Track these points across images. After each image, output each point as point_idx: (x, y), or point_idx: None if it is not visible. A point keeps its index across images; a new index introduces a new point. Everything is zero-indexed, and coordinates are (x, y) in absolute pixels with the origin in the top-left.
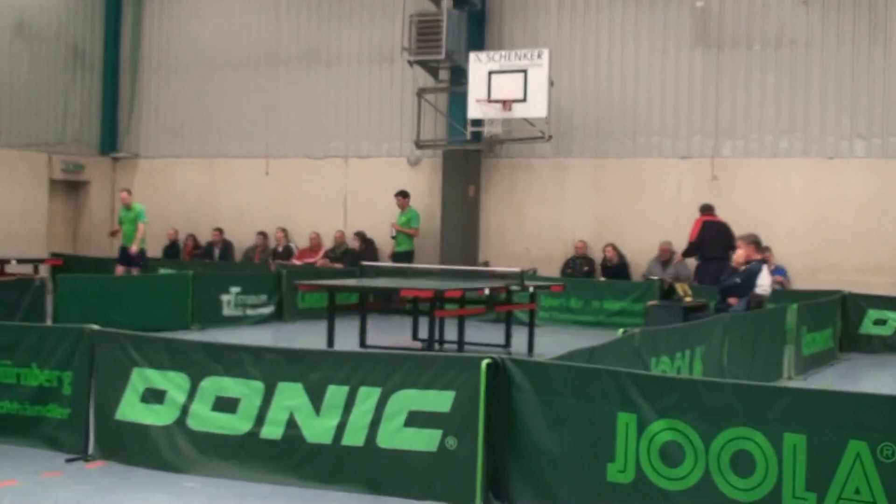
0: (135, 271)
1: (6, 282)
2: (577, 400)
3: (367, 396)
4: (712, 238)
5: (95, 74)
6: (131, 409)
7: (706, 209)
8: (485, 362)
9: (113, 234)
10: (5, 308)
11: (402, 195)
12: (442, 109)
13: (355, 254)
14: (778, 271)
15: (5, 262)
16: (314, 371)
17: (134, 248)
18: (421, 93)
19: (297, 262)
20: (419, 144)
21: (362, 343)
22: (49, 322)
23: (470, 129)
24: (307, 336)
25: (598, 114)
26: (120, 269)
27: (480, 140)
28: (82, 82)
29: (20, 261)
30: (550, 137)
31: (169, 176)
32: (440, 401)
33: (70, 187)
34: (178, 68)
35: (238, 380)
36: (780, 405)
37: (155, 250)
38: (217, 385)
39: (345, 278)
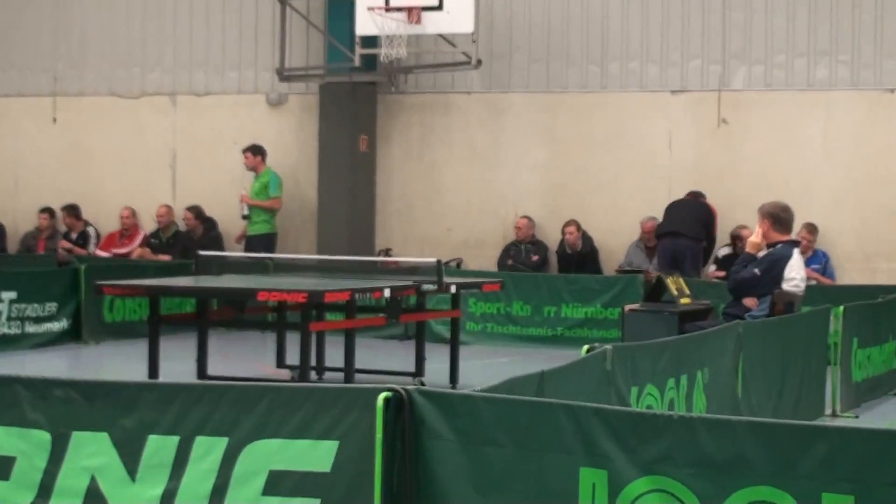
0: None
1: None
2: (520, 451)
3: (208, 450)
4: (674, 211)
5: None
6: None
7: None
8: (382, 396)
9: None
10: None
11: (254, 151)
12: (317, 23)
13: (189, 240)
14: (815, 259)
15: None
16: (127, 414)
17: None
18: None
19: (101, 252)
20: (283, 75)
21: (201, 372)
22: None
23: (359, 51)
24: (118, 363)
25: (551, 28)
26: None
27: (375, 68)
28: None
29: None
30: (480, 63)
31: None
32: (317, 456)
33: None
34: None
35: (12, 429)
36: (819, 454)
37: None
38: None
39: (174, 277)
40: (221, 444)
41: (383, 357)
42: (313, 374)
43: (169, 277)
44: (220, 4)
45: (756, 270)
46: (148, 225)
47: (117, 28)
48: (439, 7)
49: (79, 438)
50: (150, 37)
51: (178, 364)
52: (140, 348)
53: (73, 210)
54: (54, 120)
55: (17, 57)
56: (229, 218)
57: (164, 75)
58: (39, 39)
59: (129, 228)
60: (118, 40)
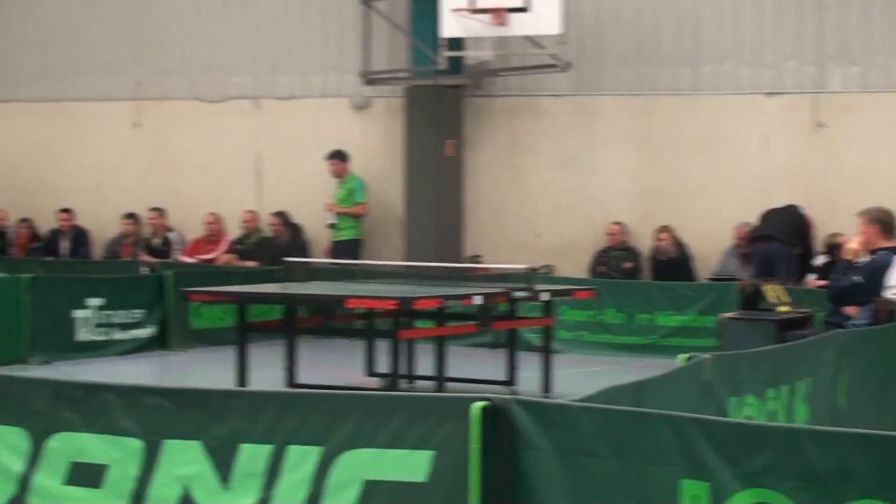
0: None
1: None
2: (619, 462)
3: (302, 460)
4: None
5: None
6: None
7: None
8: (478, 406)
9: None
10: None
11: (339, 157)
12: (402, 24)
13: (275, 246)
14: None
15: None
16: (219, 422)
17: None
18: (369, 0)
19: (186, 258)
20: (368, 78)
21: (290, 380)
22: None
23: (444, 53)
24: (204, 370)
25: (642, 29)
26: None
27: (461, 70)
28: None
29: None
30: (568, 65)
31: None
32: (412, 466)
33: None
34: None
35: (104, 437)
36: None
37: None
38: (72, 445)
39: (260, 283)
40: (315, 453)
41: (473, 365)
42: (403, 383)
43: (255, 284)
44: (304, 7)
45: (857, 278)
46: (233, 230)
47: (200, 31)
48: (526, 8)
49: (171, 446)
50: (232, 40)
51: (265, 372)
52: (227, 355)
53: (159, 212)
54: (137, 125)
55: (99, 61)
56: (314, 223)
57: (247, 79)
58: (121, 44)
59: (214, 234)
60: (201, 44)
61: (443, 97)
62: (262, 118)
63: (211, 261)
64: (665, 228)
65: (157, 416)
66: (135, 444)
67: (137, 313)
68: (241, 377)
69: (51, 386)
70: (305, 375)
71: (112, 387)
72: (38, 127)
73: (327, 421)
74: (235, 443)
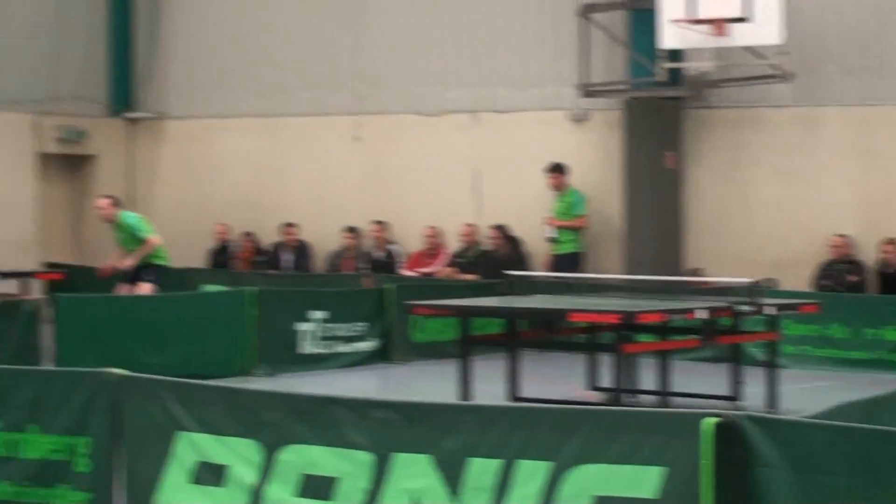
0: (143, 288)
1: None
2: (854, 480)
3: (532, 475)
4: None
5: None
6: (178, 492)
7: None
8: (710, 423)
9: (104, 272)
10: None
11: (558, 170)
12: (620, 36)
13: (495, 259)
14: None
15: None
16: (449, 436)
17: (128, 262)
18: (586, 12)
19: (407, 272)
20: (587, 91)
21: (513, 394)
22: (50, 364)
23: (663, 64)
24: (427, 383)
25: (865, 38)
26: (123, 288)
27: (680, 82)
28: (80, 11)
29: (2, 275)
30: (791, 76)
31: (211, 145)
32: (643, 481)
33: (68, 164)
34: None
35: (335, 449)
36: None
37: (194, 257)
38: (303, 457)
39: (479, 296)
40: (544, 468)
41: (695, 380)
42: (626, 397)
43: (475, 297)
44: (521, 20)
45: None
46: (452, 244)
47: (418, 46)
48: (746, 18)
49: (400, 460)
50: (450, 54)
51: (486, 385)
52: (447, 369)
53: (381, 225)
54: (355, 139)
55: (319, 77)
56: (533, 236)
57: (464, 92)
58: (341, 59)
59: (433, 247)
60: (419, 58)
61: (662, 109)
62: (479, 131)
63: (431, 274)
64: (891, 241)
65: (387, 429)
66: (365, 457)
67: (360, 326)
68: (465, 391)
69: (282, 399)
70: (527, 389)
71: (342, 400)
72: (259, 142)
73: (557, 436)
74: (465, 457)
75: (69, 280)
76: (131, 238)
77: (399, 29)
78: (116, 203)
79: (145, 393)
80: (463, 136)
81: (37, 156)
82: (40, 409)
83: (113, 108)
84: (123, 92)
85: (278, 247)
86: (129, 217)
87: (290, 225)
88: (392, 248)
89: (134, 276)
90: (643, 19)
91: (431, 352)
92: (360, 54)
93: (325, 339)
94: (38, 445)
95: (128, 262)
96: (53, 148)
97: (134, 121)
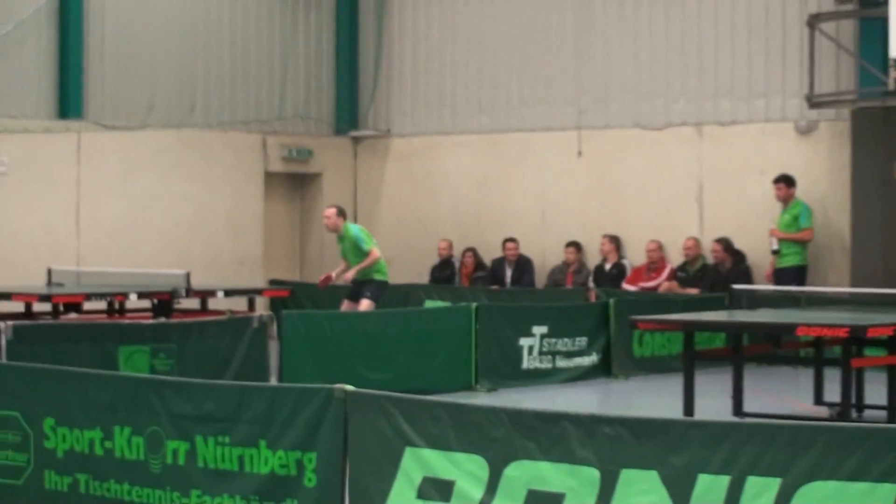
0: (363, 304)
1: (211, 323)
2: None
3: (760, 491)
4: None
5: (325, 18)
6: None
7: None
8: None
9: (324, 282)
10: (213, 361)
11: (785, 182)
12: (848, 46)
13: (717, 273)
14: None
15: (208, 294)
16: (676, 452)
17: (349, 275)
18: (814, 21)
19: (628, 286)
20: (813, 102)
21: (737, 409)
22: (275, 379)
23: (893, 74)
24: (650, 398)
25: None
26: (345, 305)
27: None
28: (307, 30)
29: (228, 292)
30: None
31: (434, 162)
32: (875, 499)
33: (294, 182)
34: (443, 4)
35: (562, 465)
36: None
37: (418, 273)
38: (530, 473)
39: (702, 311)
40: (774, 485)
41: None
42: (853, 413)
43: (697, 311)
44: (746, 32)
45: None
46: (674, 257)
47: (641, 59)
48: None
49: (628, 476)
50: (674, 67)
51: (710, 400)
52: (670, 384)
53: (611, 239)
54: (579, 153)
55: (542, 92)
56: (756, 249)
57: (689, 105)
58: (564, 74)
59: (655, 262)
60: (642, 71)
61: (891, 119)
62: (704, 144)
63: (652, 288)
64: None
65: (614, 445)
66: (592, 473)
67: (581, 341)
68: (689, 406)
69: (509, 414)
70: (751, 404)
71: (569, 415)
72: (482, 158)
73: (788, 452)
74: (693, 473)
75: (294, 297)
76: (354, 249)
77: (622, 43)
78: (342, 213)
79: (373, 408)
80: (687, 149)
81: (264, 174)
82: (270, 425)
83: (338, 126)
84: (349, 110)
85: (500, 262)
86: (353, 228)
87: (510, 240)
88: (623, 261)
89: (355, 292)
90: (872, 28)
91: (653, 366)
92: (583, 69)
93: (546, 353)
94: (266, 460)
95: (348, 275)
96: (279, 167)
97: (358, 139)
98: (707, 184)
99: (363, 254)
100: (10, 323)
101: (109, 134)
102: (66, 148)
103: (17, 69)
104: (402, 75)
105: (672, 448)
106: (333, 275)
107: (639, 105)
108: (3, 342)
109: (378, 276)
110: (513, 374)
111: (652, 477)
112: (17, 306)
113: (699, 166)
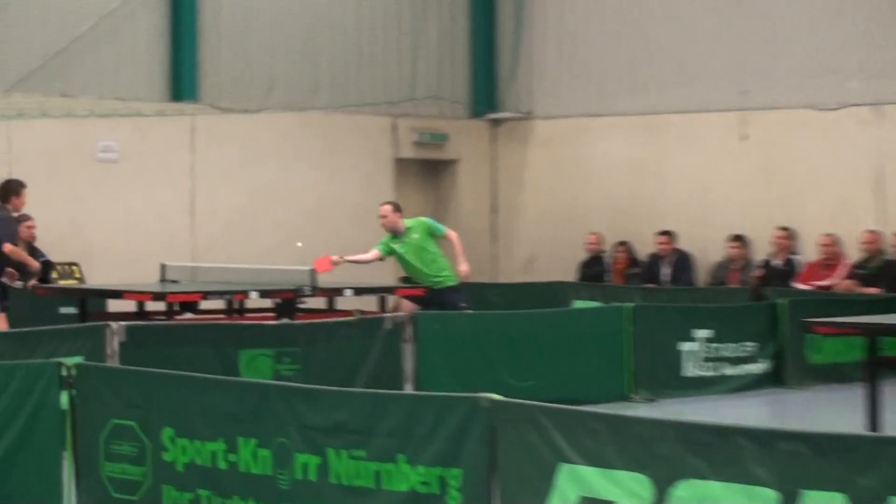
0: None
1: (340, 324)
2: None
3: None
4: None
5: None
6: None
7: None
8: None
9: (322, 265)
10: (341, 366)
11: None
12: None
13: None
14: None
15: (335, 292)
16: (865, 472)
17: (464, 268)
18: None
19: (800, 285)
20: None
21: None
22: (410, 387)
23: None
24: (828, 411)
25: None
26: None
27: None
28: (440, 2)
29: (358, 290)
30: None
31: (581, 146)
32: None
33: (427, 169)
34: None
35: (735, 485)
36: None
37: (564, 269)
38: (700, 493)
39: (889, 312)
40: None
41: None
42: None
43: (882, 313)
44: None
45: None
46: (852, 253)
47: (812, 33)
48: None
49: (810, 497)
50: (850, 40)
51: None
52: (849, 395)
53: (786, 231)
54: (742, 137)
55: (701, 70)
56: None
57: (867, 83)
58: (726, 50)
59: (830, 257)
60: (812, 46)
61: None
62: (884, 126)
63: (827, 287)
64: None
65: (795, 463)
66: (770, 494)
67: (749, 346)
68: (873, 419)
69: (675, 428)
70: None
71: (744, 430)
72: (634, 142)
73: None
74: (884, 495)
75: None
76: (419, 249)
77: (789, 15)
78: (398, 209)
79: (523, 420)
80: (864, 131)
81: (394, 161)
82: (408, 438)
83: (475, 108)
84: (486, 91)
85: (655, 257)
86: (419, 220)
87: (666, 233)
88: (793, 257)
89: (438, 301)
90: None
91: (831, 375)
92: (746, 44)
93: (710, 360)
94: (406, 477)
95: (464, 269)
96: (411, 152)
97: (497, 122)
98: (888, 170)
99: (435, 243)
100: (122, 324)
101: (226, 117)
102: (180, 133)
103: (126, 48)
104: (544, 51)
105: (860, 468)
106: (336, 258)
107: (809, 83)
108: (116, 344)
109: (453, 281)
110: (673, 382)
111: (838, 499)
112: (129, 305)
113: (878, 151)
